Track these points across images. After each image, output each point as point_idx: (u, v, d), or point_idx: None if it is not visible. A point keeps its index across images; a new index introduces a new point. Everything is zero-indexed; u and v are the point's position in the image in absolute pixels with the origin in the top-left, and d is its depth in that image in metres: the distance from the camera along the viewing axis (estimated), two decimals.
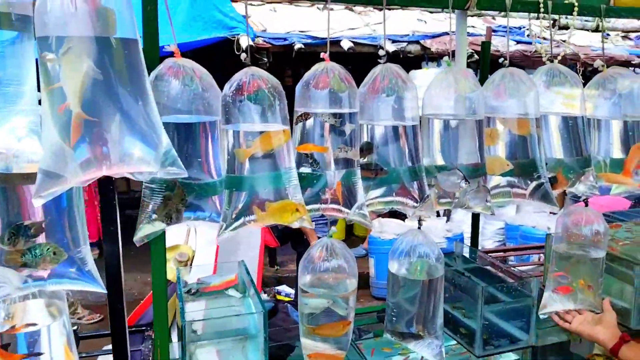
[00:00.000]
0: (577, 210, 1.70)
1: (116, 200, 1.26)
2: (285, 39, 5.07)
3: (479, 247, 2.35)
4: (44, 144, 0.96)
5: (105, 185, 1.23)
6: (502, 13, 5.50)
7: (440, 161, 1.46)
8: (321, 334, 1.44)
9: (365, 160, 1.40)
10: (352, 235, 7.13)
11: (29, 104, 0.97)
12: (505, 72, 1.51)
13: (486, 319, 1.62)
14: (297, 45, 4.98)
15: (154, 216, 1.20)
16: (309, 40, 5.12)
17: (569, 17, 5.90)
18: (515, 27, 5.99)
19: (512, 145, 1.52)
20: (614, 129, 1.65)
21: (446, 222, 5.67)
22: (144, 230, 1.20)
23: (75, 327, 2.14)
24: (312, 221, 4.09)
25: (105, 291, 1.14)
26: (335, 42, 5.13)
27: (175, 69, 1.16)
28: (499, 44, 5.39)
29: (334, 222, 4.01)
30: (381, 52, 1.38)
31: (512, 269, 2.71)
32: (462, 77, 1.43)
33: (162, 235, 1.30)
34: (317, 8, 6.08)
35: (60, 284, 1.12)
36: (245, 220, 1.25)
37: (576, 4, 1.60)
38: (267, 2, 5.88)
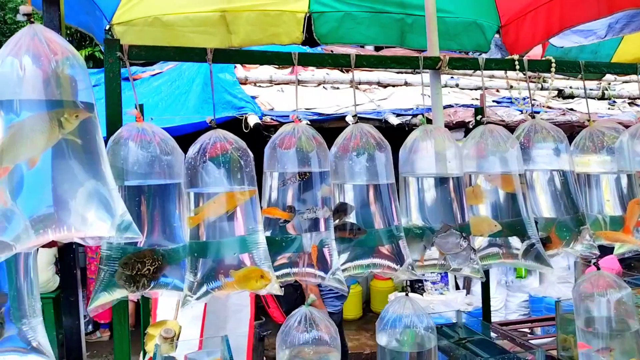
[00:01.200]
0: (592, 277, 1.58)
1: (77, 266, 1.21)
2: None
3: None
4: None
5: (64, 250, 1.19)
6: (506, 86, 5.53)
7: (418, 221, 1.39)
8: None
9: (341, 221, 1.34)
10: (370, 312, 6.84)
11: None
12: (485, 129, 1.47)
13: None
14: (303, 122, 5.08)
15: (113, 284, 1.14)
16: (315, 117, 5.23)
17: (572, 87, 5.95)
18: (520, 98, 6.05)
19: (497, 204, 1.45)
20: (609, 184, 1.58)
21: (466, 294, 5.42)
22: (101, 300, 1.14)
23: None
24: (322, 295, 3.94)
25: None
26: (341, 118, 5.23)
27: (134, 133, 1.15)
28: (504, 114, 5.43)
29: (340, 296, 3.84)
30: (349, 118, 1.38)
31: (529, 341, 2.52)
32: (438, 134, 1.40)
33: (124, 303, 1.23)
34: (324, 87, 6.29)
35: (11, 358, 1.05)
36: (209, 288, 1.18)
37: (553, 60, 1.59)
38: (276, 84, 6.11)
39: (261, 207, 1.26)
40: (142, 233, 1.16)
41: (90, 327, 6.14)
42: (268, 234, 1.28)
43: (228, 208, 1.16)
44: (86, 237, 1.00)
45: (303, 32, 2.74)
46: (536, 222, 1.46)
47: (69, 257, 1.20)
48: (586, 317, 1.60)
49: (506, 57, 1.67)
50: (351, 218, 1.35)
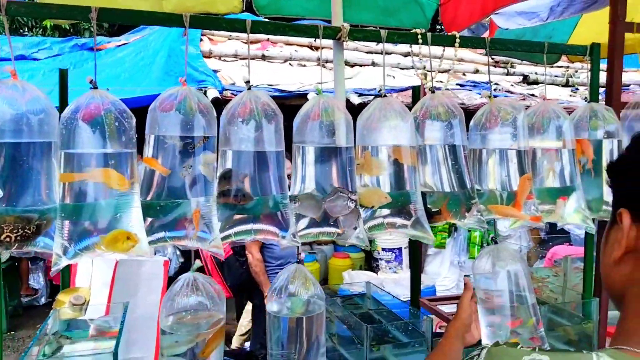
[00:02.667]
0: (491, 251, 1.63)
1: None
2: None
3: None
4: None
5: None
6: (473, 70, 5.58)
7: (310, 190, 1.41)
8: None
9: (225, 187, 1.35)
10: (328, 290, 6.93)
11: None
12: (381, 102, 1.48)
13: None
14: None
15: None
16: (276, 93, 5.20)
17: (537, 73, 5.98)
18: (484, 82, 6.10)
19: (388, 176, 1.47)
20: (506, 160, 1.61)
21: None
22: None
23: None
24: (270, 270, 3.97)
25: None
26: (303, 95, 5.21)
27: (3, 90, 1.14)
28: (464, 97, 5.47)
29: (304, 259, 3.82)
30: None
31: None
32: (329, 105, 1.41)
33: None
34: (290, 64, 6.24)
35: None
36: (77, 249, 1.18)
37: (457, 35, 1.60)
38: (241, 59, 6.04)
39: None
40: (13, 193, 1.16)
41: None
42: (150, 198, 1.28)
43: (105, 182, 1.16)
44: None
45: (242, 1, 2.71)
46: (424, 195, 1.49)
47: None
48: (484, 289, 1.66)
49: (441, 33, 1.67)
50: (239, 184, 1.36)
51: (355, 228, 1.40)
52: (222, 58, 6.00)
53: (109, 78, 5.96)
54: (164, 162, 1.27)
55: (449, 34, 1.63)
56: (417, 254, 2.31)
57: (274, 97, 4.87)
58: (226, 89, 5.20)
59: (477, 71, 6.70)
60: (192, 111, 1.29)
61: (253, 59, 6.18)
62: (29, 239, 1.14)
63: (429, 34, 1.59)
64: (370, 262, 5.78)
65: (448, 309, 2.24)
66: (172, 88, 1.32)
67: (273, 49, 6.58)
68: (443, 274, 5.18)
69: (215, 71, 5.48)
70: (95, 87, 1.26)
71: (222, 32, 6.35)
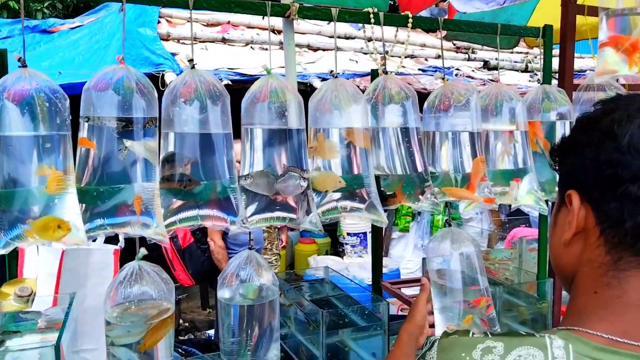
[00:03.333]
0: (444, 233, 1.63)
1: None
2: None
3: None
4: None
5: None
6: (435, 55, 5.59)
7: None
8: None
9: (170, 172, 1.29)
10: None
11: None
12: (334, 83, 1.45)
13: (334, 346, 1.49)
14: (225, 81, 4.94)
15: None
16: (237, 77, 5.10)
17: (498, 59, 6.01)
18: (446, 68, 6.13)
19: (341, 160, 1.43)
20: (460, 142, 1.59)
21: (383, 257, 5.57)
22: None
23: None
24: (230, 258, 3.88)
25: None
26: None
27: None
28: (426, 82, 5.49)
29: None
30: (188, 57, 1.31)
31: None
32: (279, 86, 1.36)
33: None
34: (251, 48, 6.13)
35: None
36: (8, 238, 1.11)
37: (410, 15, 1.57)
38: (200, 42, 5.89)
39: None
40: None
41: None
42: (86, 183, 1.21)
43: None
44: None
45: None
46: (379, 178, 1.47)
47: None
48: (437, 270, 1.66)
49: (394, 14, 1.64)
50: (184, 168, 1.30)
51: (309, 212, 1.36)
52: (181, 41, 5.84)
53: (64, 61, 5.72)
54: (100, 145, 1.19)
55: (402, 13, 1.60)
56: (377, 238, 2.31)
57: (235, 81, 4.76)
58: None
59: (439, 56, 6.74)
60: (130, 91, 1.22)
61: (213, 42, 6.03)
62: None
63: (381, 14, 1.55)
64: (336, 247, 5.79)
65: (410, 291, 2.24)
66: (108, 66, 1.24)
67: (234, 31, 6.44)
68: (407, 257, 5.24)
69: (173, 54, 5.32)
70: (24, 66, 1.18)
71: (181, 14, 6.16)
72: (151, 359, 1.27)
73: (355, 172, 1.42)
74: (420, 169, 1.49)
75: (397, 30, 1.73)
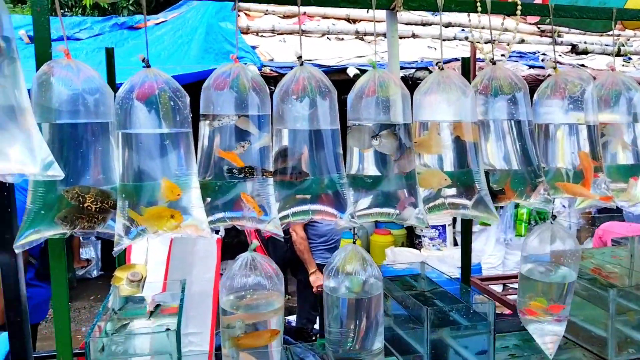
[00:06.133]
0: (545, 227, 1.57)
1: (13, 206, 1.22)
2: (291, 68, 5.08)
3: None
4: None
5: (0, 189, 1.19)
6: (517, 39, 5.34)
7: (363, 170, 1.36)
8: (245, 345, 1.33)
9: (281, 165, 1.32)
10: None
11: None
12: (439, 75, 1.41)
13: (437, 343, 1.47)
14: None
15: (40, 222, 1.14)
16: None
17: (587, 42, 5.71)
18: (530, 52, 5.84)
19: (448, 154, 1.40)
20: (573, 135, 1.51)
21: None
22: (30, 237, 1.15)
23: None
24: (313, 247, 3.95)
25: None
26: (342, 70, 5.11)
27: (58, 70, 1.12)
28: (511, 68, 5.25)
29: (331, 248, 3.83)
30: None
31: (506, 297, 2.50)
32: (386, 80, 1.34)
33: (59, 242, 1.25)
34: (327, 38, 6.13)
35: None
36: (139, 229, 1.18)
37: (519, 3, 1.50)
38: (278, 34, 5.97)
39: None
40: (72, 173, 1.16)
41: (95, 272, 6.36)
42: (209, 178, 1.26)
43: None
44: (7, 175, 0.99)
45: None
46: (488, 174, 1.42)
47: (2, 195, 1.20)
48: (529, 268, 1.60)
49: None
50: (294, 162, 1.33)
51: (415, 206, 1.34)
52: (260, 34, 5.95)
53: (150, 56, 5.98)
54: (220, 141, 1.24)
55: (510, 0, 1.53)
56: (468, 231, 2.25)
57: None
58: (265, 65, 5.16)
59: (522, 41, 6.42)
60: (245, 89, 1.25)
61: (290, 33, 6.09)
62: (106, 212, 1.14)
63: (488, 1, 1.49)
64: (412, 239, 5.72)
65: (499, 288, 2.18)
66: (224, 65, 1.28)
67: (310, 22, 6.48)
68: (488, 251, 5.07)
69: (253, 47, 5.44)
70: (148, 66, 1.24)
71: (259, 7, 6.26)
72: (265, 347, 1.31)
73: (464, 167, 1.38)
74: (531, 163, 1.43)
75: (504, 18, 1.65)
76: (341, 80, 4.79)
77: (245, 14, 6.29)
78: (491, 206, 1.37)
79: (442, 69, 1.43)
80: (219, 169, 1.25)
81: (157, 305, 1.64)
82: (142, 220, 1.19)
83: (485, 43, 1.98)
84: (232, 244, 5.10)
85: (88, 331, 1.29)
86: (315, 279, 3.73)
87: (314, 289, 3.77)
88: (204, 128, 1.26)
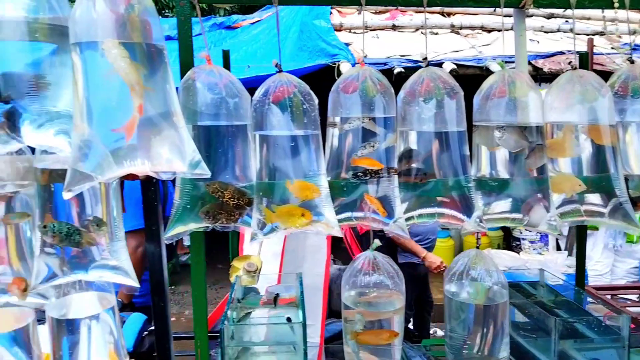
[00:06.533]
0: None
1: (158, 199, 1.32)
2: (385, 64, 5.07)
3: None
4: (74, 142, 1.04)
5: (146, 184, 1.30)
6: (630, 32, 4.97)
7: (489, 172, 1.33)
8: (364, 340, 1.36)
9: (406, 166, 1.32)
10: None
11: (64, 106, 1.07)
12: (572, 75, 1.34)
13: (562, 354, 1.41)
14: (397, 69, 4.95)
15: (186, 216, 1.24)
16: (409, 64, 5.06)
17: None
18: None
19: (583, 158, 1.33)
20: None
21: (567, 256, 5.12)
22: (176, 229, 1.24)
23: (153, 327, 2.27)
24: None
25: (137, 285, 1.19)
26: (437, 65, 5.00)
27: (202, 75, 1.20)
28: (623, 62, 4.85)
29: (427, 247, 3.79)
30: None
31: (626, 308, 2.35)
32: (516, 80, 1.30)
33: (199, 235, 1.34)
34: (422, 33, 6.02)
35: (101, 274, 1.19)
36: (273, 225, 1.24)
37: None
38: (371, 30, 5.96)
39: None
40: (213, 171, 1.24)
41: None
42: (336, 178, 1.30)
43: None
44: (160, 172, 1.08)
45: None
46: (627, 179, 1.33)
47: (150, 190, 1.31)
48: None
49: None
50: (419, 164, 1.33)
51: (547, 210, 1.29)
52: (353, 30, 5.97)
53: (247, 55, 6.23)
54: (349, 143, 1.27)
55: None
56: (583, 237, 2.12)
57: (407, 68, 4.68)
58: (358, 62, 5.18)
59: (634, 32, 5.91)
60: (373, 91, 1.27)
61: (383, 29, 6.05)
62: (242, 209, 1.22)
63: None
64: (509, 241, 5.49)
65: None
66: (352, 69, 1.30)
67: (403, 17, 6.39)
68: (595, 257, 4.74)
69: (347, 44, 5.47)
70: (281, 71, 1.29)
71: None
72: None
73: (601, 172, 1.30)
74: None
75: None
76: None
77: (338, 11, 6.34)
78: (632, 214, 1.28)
79: (575, 68, 1.36)
80: (345, 170, 1.28)
81: (276, 296, 1.71)
82: (274, 217, 1.25)
83: (593, 35, 1.84)
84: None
85: (221, 319, 1.38)
86: (431, 261, 3.69)
87: (434, 269, 3.71)
88: (332, 130, 1.30)
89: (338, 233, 1.22)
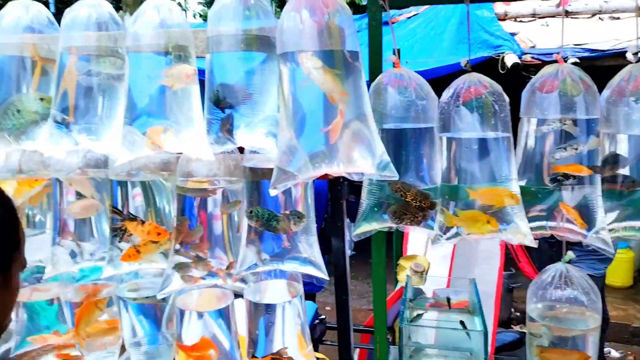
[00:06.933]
0: None
1: (344, 197, 1.39)
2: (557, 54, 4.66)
3: None
4: (280, 144, 1.14)
5: (333, 182, 1.37)
6: None
7: None
8: (549, 358, 1.28)
9: (611, 173, 1.20)
10: None
11: (271, 111, 1.17)
12: None
13: None
14: (571, 60, 4.52)
15: (372, 216, 1.28)
16: (585, 54, 4.59)
17: None
18: None
19: None
20: None
21: None
22: (362, 228, 1.30)
23: (323, 317, 2.41)
24: (581, 256, 3.62)
25: (327, 278, 1.27)
26: (620, 54, 4.47)
27: (392, 79, 1.23)
28: None
29: (604, 259, 3.46)
30: (630, 55, 1.18)
31: None
32: None
33: (381, 234, 1.37)
34: (599, 18, 5.41)
35: (292, 265, 1.30)
36: (458, 229, 1.22)
37: None
38: (539, 17, 5.52)
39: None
40: (398, 172, 1.26)
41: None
42: (523, 183, 1.24)
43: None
44: (352, 173, 1.14)
45: None
46: None
47: (336, 189, 1.38)
48: None
49: None
50: (625, 170, 1.20)
51: None
52: (519, 19, 5.59)
53: (404, 50, 6.17)
54: (546, 146, 1.20)
55: None
56: None
57: (582, 59, 4.22)
58: (526, 53, 4.84)
59: None
60: (574, 91, 1.17)
61: (554, 16, 5.56)
62: (424, 211, 1.23)
63: None
64: None
65: None
66: (548, 67, 1.22)
67: (575, 2, 5.80)
68: None
69: (512, 34, 5.14)
70: (471, 70, 1.26)
71: None
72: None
73: None
74: None
75: None
76: (619, 65, 4.19)
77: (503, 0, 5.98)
78: None
79: None
80: (540, 174, 1.21)
81: (449, 299, 1.70)
82: (456, 221, 1.23)
83: None
84: None
85: (400, 318, 1.40)
86: None
87: None
88: (525, 131, 1.23)
89: (531, 243, 1.16)
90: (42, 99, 1.25)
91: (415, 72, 1.29)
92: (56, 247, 1.45)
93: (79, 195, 1.39)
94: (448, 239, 1.25)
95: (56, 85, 1.23)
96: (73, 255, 1.48)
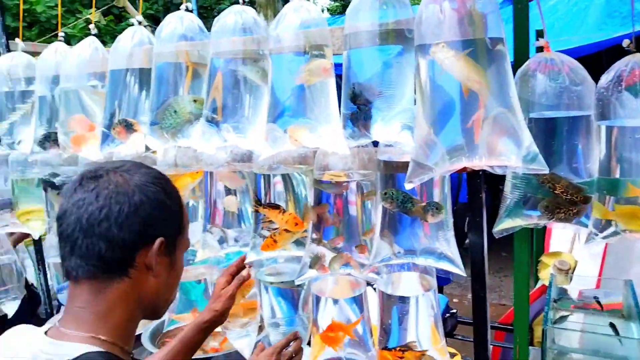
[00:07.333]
0: None
1: (483, 193, 1.32)
2: None
3: None
4: (417, 138, 1.11)
5: (472, 174, 1.31)
6: None
7: None
8: None
9: None
10: None
11: (407, 104, 1.15)
12: None
13: None
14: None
15: (516, 212, 1.21)
16: None
17: None
18: None
19: None
20: None
21: None
22: (504, 224, 1.23)
23: (454, 311, 2.35)
24: None
25: (464, 274, 1.23)
26: None
27: (542, 64, 1.14)
28: None
29: None
30: None
31: None
32: None
33: (525, 231, 1.29)
34: None
35: (427, 260, 1.28)
36: (617, 229, 1.10)
37: None
38: None
39: None
40: (548, 166, 1.17)
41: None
42: None
43: None
44: (494, 166, 1.08)
45: None
46: None
47: (475, 182, 1.32)
48: None
49: None
50: None
51: None
52: None
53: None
54: None
55: None
56: None
57: None
58: None
59: None
60: None
61: None
62: (577, 206, 1.13)
63: None
64: None
65: None
66: None
67: None
68: None
69: None
70: (634, 51, 1.12)
71: None
72: None
73: None
74: None
75: None
76: None
77: None
78: None
79: None
80: None
81: (599, 301, 1.55)
82: (611, 215, 1.12)
83: None
84: None
85: (544, 318, 1.31)
86: None
87: None
88: None
89: None
90: (195, 101, 1.37)
91: (557, 51, 1.18)
92: (207, 233, 1.60)
93: (227, 189, 1.52)
94: (605, 237, 1.13)
95: (207, 87, 1.33)
96: (221, 241, 1.62)
